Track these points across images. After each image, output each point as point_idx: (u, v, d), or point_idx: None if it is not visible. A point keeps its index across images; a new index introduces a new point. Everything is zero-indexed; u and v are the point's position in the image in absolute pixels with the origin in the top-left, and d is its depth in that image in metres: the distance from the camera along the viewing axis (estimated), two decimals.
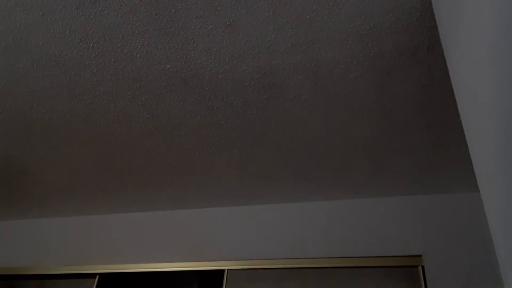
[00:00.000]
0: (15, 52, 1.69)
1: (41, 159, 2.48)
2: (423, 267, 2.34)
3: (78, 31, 1.58)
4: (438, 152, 2.17)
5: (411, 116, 1.93)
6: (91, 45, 1.64)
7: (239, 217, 2.86)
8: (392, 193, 2.59)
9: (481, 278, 2.21)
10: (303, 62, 1.64)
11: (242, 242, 2.74)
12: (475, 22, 0.93)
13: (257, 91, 1.82)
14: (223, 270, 2.67)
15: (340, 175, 2.43)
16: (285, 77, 1.73)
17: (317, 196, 2.70)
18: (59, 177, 2.68)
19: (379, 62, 1.63)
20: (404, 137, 2.07)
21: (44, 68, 1.77)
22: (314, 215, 2.71)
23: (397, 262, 2.39)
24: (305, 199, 2.75)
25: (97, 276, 2.94)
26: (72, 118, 2.08)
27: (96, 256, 3.02)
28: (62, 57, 1.70)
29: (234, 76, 1.74)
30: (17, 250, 3.28)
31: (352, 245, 2.52)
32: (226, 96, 1.86)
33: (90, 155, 2.40)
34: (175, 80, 1.78)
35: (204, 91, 1.84)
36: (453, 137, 2.05)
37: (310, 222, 2.69)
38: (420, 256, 2.37)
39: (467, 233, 2.37)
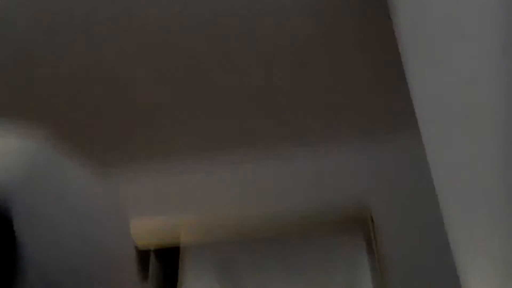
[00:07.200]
0: None
1: None
2: (372, 218, 2.32)
3: None
4: (384, 95, 2.15)
5: (352, 51, 1.87)
6: None
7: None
8: (339, 144, 2.51)
9: (429, 227, 2.19)
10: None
11: None
12: None
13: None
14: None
15: (281, 123, 2.35)
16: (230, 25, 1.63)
17: (261, 150, 2.58)
18: None
19: None
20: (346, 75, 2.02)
21: None
22: (260, 171, 2.63)
23: (345, 215, 2.38)
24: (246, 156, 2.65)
25: None
26: None
27: None
28: None
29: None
30: None
31: (298, 200, 2.44)
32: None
33: None
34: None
35: None
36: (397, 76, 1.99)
37: (256, 179, 2.60)
38: (369, 208, 2.36)
39: (416, 183, 2.32)
